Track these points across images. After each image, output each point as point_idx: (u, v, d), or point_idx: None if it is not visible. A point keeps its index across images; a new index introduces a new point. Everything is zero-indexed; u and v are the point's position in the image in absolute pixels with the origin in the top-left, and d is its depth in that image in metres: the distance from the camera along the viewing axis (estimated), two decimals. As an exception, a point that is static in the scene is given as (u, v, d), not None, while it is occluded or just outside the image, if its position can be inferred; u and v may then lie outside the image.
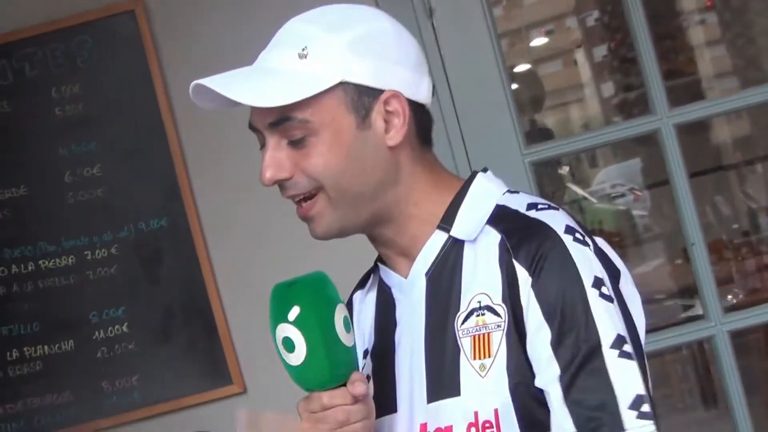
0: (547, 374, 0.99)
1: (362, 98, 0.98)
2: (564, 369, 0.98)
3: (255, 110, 0.97)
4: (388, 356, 1.09)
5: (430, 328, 1.04)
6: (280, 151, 0.97)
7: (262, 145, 0.99)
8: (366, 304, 1.15)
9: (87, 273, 1.84)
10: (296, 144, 0.97)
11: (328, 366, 0.98)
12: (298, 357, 0.98)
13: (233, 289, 1.86)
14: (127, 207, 1.85)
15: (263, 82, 0.97)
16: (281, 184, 0.98)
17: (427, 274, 1.04)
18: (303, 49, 0.96)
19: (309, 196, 0.98)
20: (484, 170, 1.06)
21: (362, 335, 1.15)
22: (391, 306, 1.10)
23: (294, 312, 0.97)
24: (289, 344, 0.98)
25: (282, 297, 0.99)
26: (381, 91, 0.98)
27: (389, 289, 1.10)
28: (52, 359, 1.81)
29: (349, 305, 1.18)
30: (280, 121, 0.95)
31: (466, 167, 1.71)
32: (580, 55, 8.94)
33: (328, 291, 0.99)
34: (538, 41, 8.53)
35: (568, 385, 0.98)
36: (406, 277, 1.05)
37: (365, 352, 1.13)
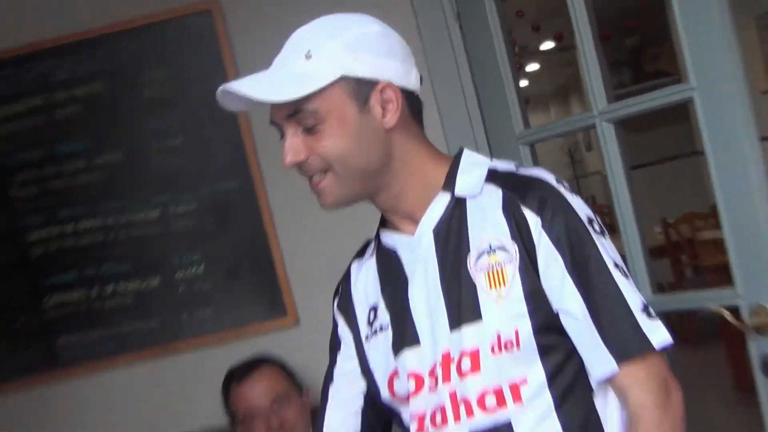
0: (565, 295, 1.12)
1: (361, 89, 1.08)
2: (581, 287, 1.11)
3: (274, 106, 1.09)
4: (404, 303, 1.18)
5: (444, 273, 1.16)
6: (296, 138, 1.09)
7: (282, 135, 1.13)
8: (365, 269, 1.27)
9: (170, 224, 2.14)
10: (309, 131, 1.09)
11: None
12: None
13: (290, 239, 2.17)
14: (204, 171, 2.14)
15: (278, 82, 1.08)
16: (299, 165, 1.11)
17: (434, 230, 1.16)
18: (308, 53, 1.07)
19: (319, 175, 1.11)
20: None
21: (365, 295, 1.27)
22: (397, 263, 1.21)
23: None
24: None
25: None
26: (376, 82, 1.09)
27: (394, 250, 1.21)
28: (141, 293, 2.14)
29: (346, 276, 1.32)
30: (295, 112, 1.07)
31: (485, 146, 2.01)
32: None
33: None
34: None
35: (587, 301, 1.11)
36: (412, 234, 1.17)
37: (372, 308, 1.25)
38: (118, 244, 2.15)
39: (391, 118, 1.10)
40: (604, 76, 1.79)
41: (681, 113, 5.74)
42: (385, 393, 1.22)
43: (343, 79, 1.07)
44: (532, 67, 8.99)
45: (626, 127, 1.83)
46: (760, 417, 1.68)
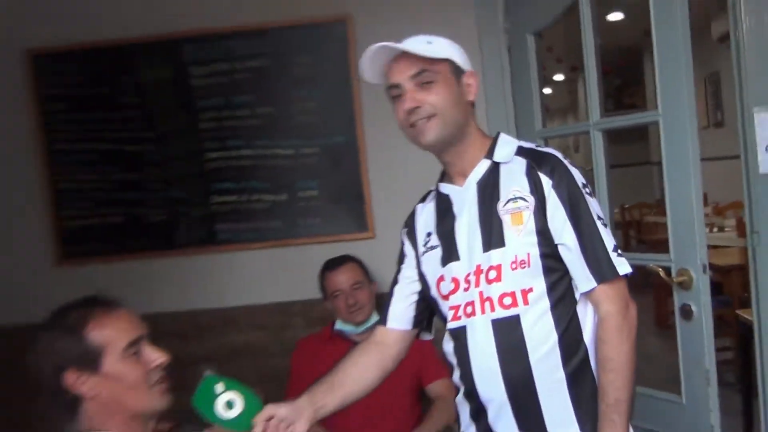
0: (564, 233, 1.36)
1: (457, 70, 1.39)
2: (575, 229, 1.35)
3: (399, 70, 1.36)
4: (451, 232, 1.44)
5: (481, 212, 1.40)
6: (414, 92, 1.36)
7: (396, 96, 1.38)
8: (426, 209, 1.54)
9: (299, 160, 2.84)
10: (425, 86, 1.36)
11: (259, 399, 1.46)
12: (237, 408, 1.43)
13: (375, 179, 2.83)
14: (325, 127, 2.82)
15: (417, 48, 1.35)
16: (412, 111, 1.35)
17: (477, 183, 1.42)
18: (429, 41, 1.39)
19: (425, 120, 1.36)
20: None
21: (424, 225, 1.52)
22: (449, 205, 1.46)
23: (220, 386, 1.44)
24: (230, 404, 1.43)
25: (205, 389, 1.45)
26: (464, 70, 1.41)
27: (447, 196, 1.47)
28: (274, 203, 2.86)
29: (413, 213, 1.58)
30: (420, 72, 1.36)
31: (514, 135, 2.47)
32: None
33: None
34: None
35: (579, 239, 1.35)
36: (462, 186, 1.44)
37: (428, 234, 1.51)
38: (263, 168, 2.85)
39: (471, 94, 1.42)
40: (600, 98, 2.20)
41: (642, 135, 9.37)
42: (433, 291, 1.51)
43: (449, 61, 1.39)
44: (547, 90, 11.03)
45: (609, 138, 2.22)
46: (674, 344, 2.04)
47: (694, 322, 1.99)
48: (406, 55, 1.37)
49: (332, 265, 2.54)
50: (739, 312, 3.04)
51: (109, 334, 1.35)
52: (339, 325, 2.52)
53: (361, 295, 2.49)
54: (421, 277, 1.53)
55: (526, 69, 2.59)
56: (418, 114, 1.37)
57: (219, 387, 1.43)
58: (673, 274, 2.01)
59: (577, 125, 2.93)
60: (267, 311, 2.94)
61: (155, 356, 1.39)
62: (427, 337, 1.65)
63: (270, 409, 1.45)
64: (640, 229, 7.34)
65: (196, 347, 2.90)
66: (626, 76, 10.35)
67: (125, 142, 2.91)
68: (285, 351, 2.72)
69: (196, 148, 2.90)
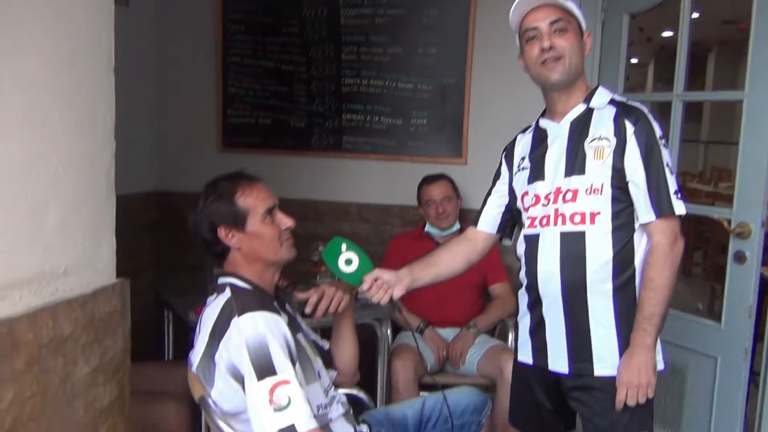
0: (636, 173, 1.52)
1: (580, 28, 1.64)
2: (646, 170, 1.51)
3: (539, 16, 1.57)
4: (543, 156, 1.65)
5: (570, 145, 1.59)
6: (550, 35, 1.58)
7: (531, 39, 1.59)
8: (525, 137, 1.75)
9: (416, 94, 3.38)
10: (559, 32, 1.57)
11: (370, 262, 1.69)
12: (354, 266, 1.66)
13: (474, 115, 3.34)
14: (440, 68, 3.34)
15: (558, 0, 1.59)
16: (546, 50, 1.56)
17: (572, 122, 1.62)
18: (564, 1, 1.61)
19: (555, 60, 1.57)
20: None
21: (521, 150, 1.73)
22: (544, 137, 1.67)
23: (344, 246, 1.67)
24: (349, 261, 1.67)
25: (333, 247, 1.68)
26: (584, 30, 1.66)
27: (545, 130, 1.68)
28: (390, 125, 3.43)
29: (513, 140, 1.78)
30: (558, 19, 1.58)
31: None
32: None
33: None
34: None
35: (647, 178, 1.51)
36: (558, 123, 1.64)
37: (521, 158, 1.72)
38: (386, 96, 3.41)
39: (587, 49, 1.64)
40: (686, 73, 2.45)
41: (695, 117, 10.16)
42: (518, 203, 1.71)
43: (577, 18, 1.63)
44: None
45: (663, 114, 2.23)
46: (693, 288, 2.46)
47: (746, 265, 2.34)
48: (545, 6, 1.59)
49: (430, 179, 3.02)
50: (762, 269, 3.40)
51: (252, 202, 1.60)
52: (428, 228, 3.04)
53: (449, 206, 2.95)
54: (511, 192, 1.73)
55: (616, 44, 2.86)
56: (551, 53, 1.57)
57: (343, 247, 1.67)
58: (733, 225, 2.34)
59: (660, 94, 3.17)
60: (373, 209, 3.47)
61: (285, 220, 1.66)
62: (507, 243, 1.87)
63: (377, 272, 1.67)
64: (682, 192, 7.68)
65: (314, 228, 3.47)
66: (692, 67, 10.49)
67: (283, 62, 3.54)
68: (382, 242, 3.28)
69: (336, 74, 3.46)
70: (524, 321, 1.77)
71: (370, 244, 3.41)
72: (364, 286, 1.65)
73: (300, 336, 1.68)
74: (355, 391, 2.05)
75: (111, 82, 1.51)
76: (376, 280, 1.67)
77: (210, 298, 1.66)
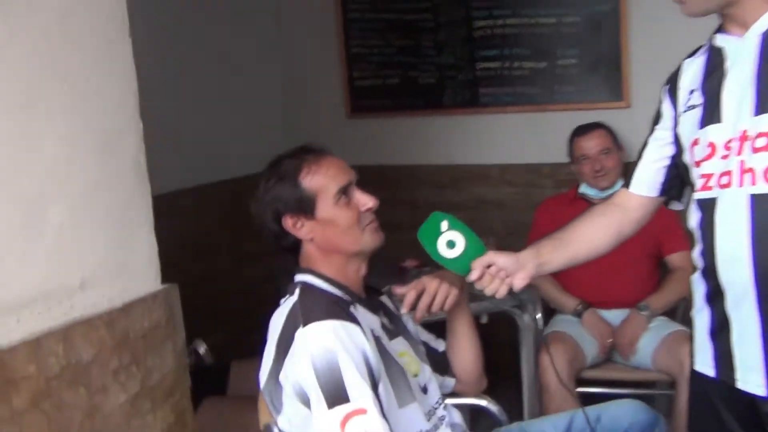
0: None
1: None
2: None
3: None
4: (717, 90, 1.30)
5: (760, 68, 1.24)
6: None
7: None
8: (693, 64, 1.40)
9: (560, 29, 3.01)
10: None
11: (481, 244, 1.42)
12: (458, 249, 1.40)
13: (636, 48, 2.89)
14: None
15: None
16: None
17: (762, 34, 1.25)
18: None
19: None
20: None
21: (688, 82, 1.38)
22: (721, 60, 1.32)
23: (444, 224, 1.41)
24: (451, 243, 1.40)
25: (431, 225, 1.42)
26: None
27: (721, 50, 1.32)
28: (533, 70, 3.09)
29: (678, 69, 1.43)
30: None
31: None
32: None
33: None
34: None
35: None
36: (742, 36, 1.28)
37: (690, 92, 1.37)
38: (525, 37, 3.07)
39: None
40: None
41: None
42: (686, 156, 1.37)
43: None
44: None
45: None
46: None
47: None
48: None
49: (582, 130, 2.63)
50: None
51: (321, 181, 1.39)
52: (583, 189, 2.66)
53: (608, 161, 2.57)
54: (676, 140, 1.41)
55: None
56: None
57: (444, 225, 1.40)
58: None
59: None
60: (518, 170, 3.21)
61: (365, 200, 1.43)
62: (676, 206, 1.53)
63: (490, 256, 1.42)
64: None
65: (450, 196, 3.28)
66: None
67: (405, 12, 3.29)
68: (531, 208, 2.93)
69: (465, 17, 3.17)
70: (701, 318, 1.40)
71: (517, 211, 3.16)
72: (473, 275, 1.40)
73: (398, 342, 1.47)
74: (483, 402, 1.75)
75: (127, 49, 1.29)
76: (489, 267, 1.40)
77: (282, 300, 1.45)
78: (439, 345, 1.66)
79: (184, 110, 2.86)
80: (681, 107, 1.38)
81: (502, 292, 1.42)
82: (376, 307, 1.50)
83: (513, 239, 2.42)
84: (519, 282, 1.43)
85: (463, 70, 3.24)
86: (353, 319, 1.34)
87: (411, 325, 1.61)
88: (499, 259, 1.41)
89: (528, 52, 3.09)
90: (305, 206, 1.39)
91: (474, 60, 3.20)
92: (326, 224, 1.40)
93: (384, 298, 1.59)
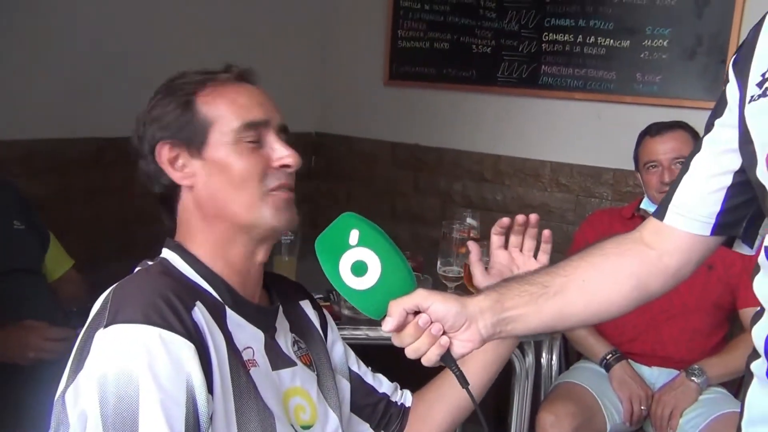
0: None
1: None
2: None
3: None
4: None
5: None
6: None
7: None
8: None
9: (655, 2, 2.52)
10: None
11: (410, 276, 0.93)
12: (369, 278, 0.91)
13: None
14: None
15: None
16: None
17: None
18: None
19: None
20: None
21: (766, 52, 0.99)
22: None
23: (354, 235, 0.90)
24: (360, 268, 0.90)
25: (336, 232, 0.92)
26: None
27: None
28: (612, 49, 2.62)
29: (752, 36, 1.03)
30: None
31: None
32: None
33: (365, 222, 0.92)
34: None
35: None
36: None
37: (763, 76, 1.03)
38: (609, 6, 2.60)
39: None
40: None
41: None
42: (761, 167, 0.94)
43: None
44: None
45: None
46: None
47: None
48: None
49: (655, 129, 2.15)
50: None
51: (222, 108, 1.04)
52: (645, 204, 2.17)
53: None
54: (744, 144, 0.98)
55: None
56: None
57: (352, 235, 0.92)
58: None
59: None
60: (575, 172, 2.79)
61: (282, 150, 1.04)
62: (743, 250, 1.06)
63: (420, 297, 0.95)
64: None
65: (489, 192, 2.91)
66: None
67: None
68: (581, 221, 2.52)
69: None
70: (757, 398, 0.96)
71: (566, 222, 2.75)
72: (387, 324, 0.91)
73: (292, 374, 1.07)
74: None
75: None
76: (415, 313, 0.93)
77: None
78: (379, 383, 1.25)
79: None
80: (752, 89, 0.95)
81: (430, 357, 0.93)
82: (271, 320, 1.09)
83: (554, 258, 2.01)
84: (461, 347, 0.95)
85: (525, 40, 2.79)
86: (186, 328, 0.91)
87: (339, 351, 1.22)
88: (435, 305, 0.93)
89: (609, 26, 2.62)
90: (192, 136, 1.02)
91: (541, 29, 2.75)
92: (215, 169, 1.02)
93: (309, 308, 1.22)
